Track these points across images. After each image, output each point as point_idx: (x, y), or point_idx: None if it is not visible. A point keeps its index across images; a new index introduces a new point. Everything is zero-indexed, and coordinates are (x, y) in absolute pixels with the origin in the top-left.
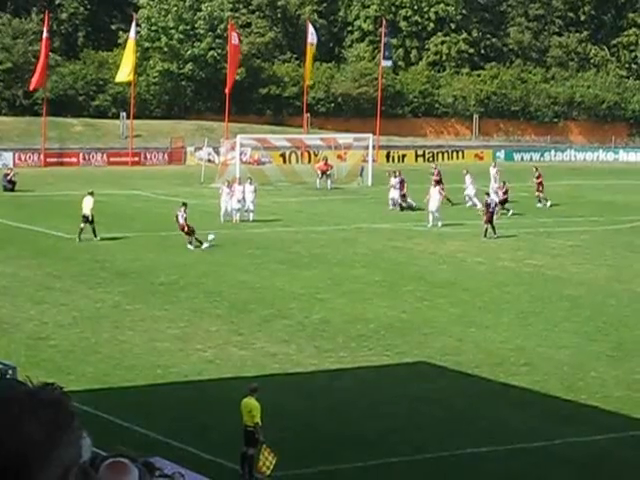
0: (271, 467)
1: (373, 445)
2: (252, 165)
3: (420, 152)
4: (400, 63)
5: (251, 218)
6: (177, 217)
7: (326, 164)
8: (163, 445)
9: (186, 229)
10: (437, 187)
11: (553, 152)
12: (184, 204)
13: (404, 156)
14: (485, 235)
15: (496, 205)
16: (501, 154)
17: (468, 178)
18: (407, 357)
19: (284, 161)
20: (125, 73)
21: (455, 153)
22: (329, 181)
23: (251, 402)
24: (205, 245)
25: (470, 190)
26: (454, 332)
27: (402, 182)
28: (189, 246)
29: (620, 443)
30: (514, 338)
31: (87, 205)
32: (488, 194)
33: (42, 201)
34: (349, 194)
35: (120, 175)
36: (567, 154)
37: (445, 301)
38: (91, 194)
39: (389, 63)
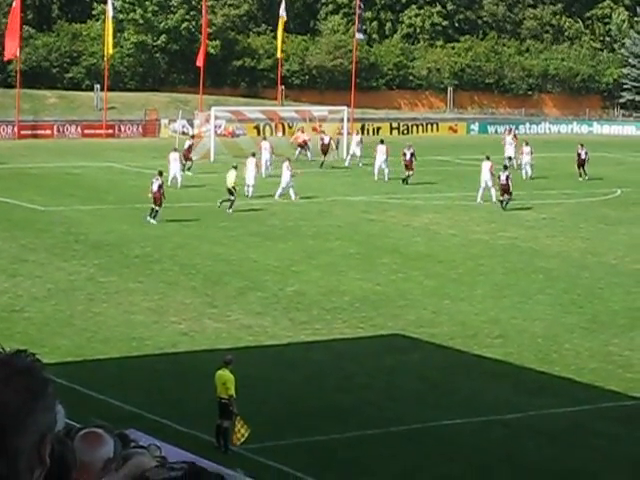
0: (242, 439)
1: (348, 417)
2: (226, 137)
3: (395, 125)
4: (374, 36)
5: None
6: (151, 184)
7: (304, 141)
8: (138, 417)
9: (157, 199)
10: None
11: (527, 125)
12: (160, 172)
13: (379, 129)
14: (497, 202)
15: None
16: (475, 127)
17: (527, 148)
18: (382, 329)
19: (258, 133)
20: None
21: (429, 125)
22: (309, 153)
23: (225, 374)
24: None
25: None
26: (428, 304)
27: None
28: (150, 219)
29: (593, 414)
30: (488, 310)
31: (230, 178)
32: (506, 166)
33: (16, 173)
34: (324, 167)
35: (94, 147)
36: (541, 127)
37: (419, 273)
38: (235, 167)
39: (363, 36)
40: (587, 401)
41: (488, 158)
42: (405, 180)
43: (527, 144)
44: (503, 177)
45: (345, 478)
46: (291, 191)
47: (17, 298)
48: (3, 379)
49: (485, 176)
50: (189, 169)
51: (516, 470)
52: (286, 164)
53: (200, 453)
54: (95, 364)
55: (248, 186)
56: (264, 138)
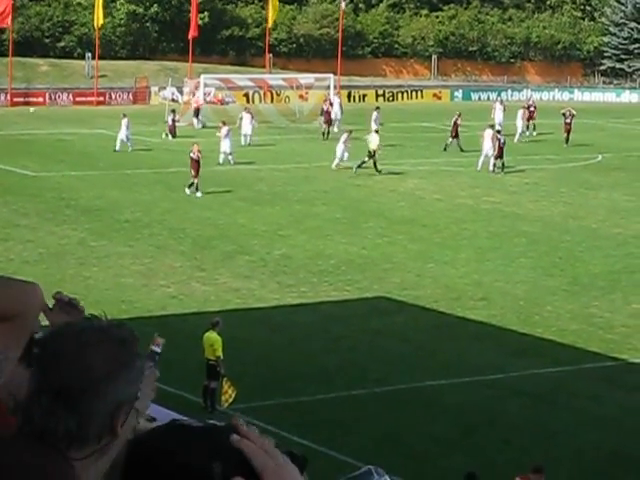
0: (230, 400)
1: (334, 378)
2: (216, 105)
3: (380, 92)
4: (361, 5)
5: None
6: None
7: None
8: None
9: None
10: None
11: (510, 92)
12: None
13: (365, 96)
14: (494, 170)
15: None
16: (459, 94)
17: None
18: (367, 292)
19: (247, 101)
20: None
21: (414, 92)
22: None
23: (213, 336)
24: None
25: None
26: (413, 267)
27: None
28: (193, 192)
29: (575, 375)
30: (472, 273)
31: (373, 141)
32: (499, 131)
33: (8, 140)
34: (311, 133)
35: (85, 114)
36: (524, 94)
37: (404, 237)
38: (376, 132)
39: (347, 5)
40: (568, 362)
41: (492, 127)
42: (446, 147)
43: (528, 107)
44: (502, 141)
45: (330, 438)
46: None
47: (9, 262)
48: (95, 344)
49: (487, 145)
50: (173, 136)
51: (499, 430)
52: (344, 137)
53: (188, 413)
54: None
55: (224, 153)
56: (245, 109)
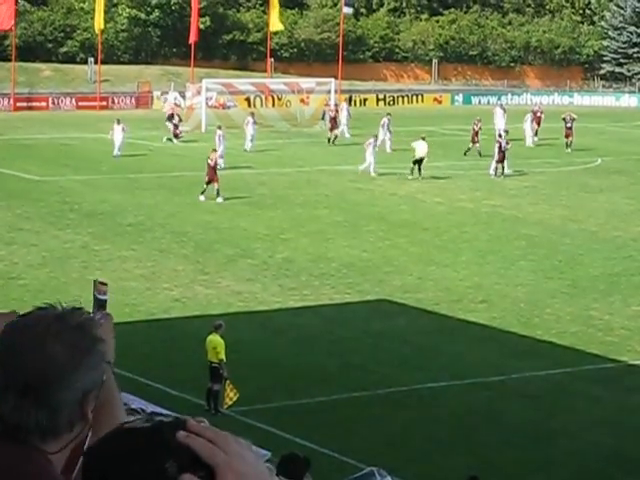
0: (230, 403)
1: (335, 380)
2: (218, 109)
3: (381, 96)
4: (362, 10)
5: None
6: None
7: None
8: (131, 381)
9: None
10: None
11: (510, 96)
12: (214, 150)
13: (365, 100)
14: (496, 174)
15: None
16: (459, 98)
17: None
18: (368, 295)
19: (249, 105)
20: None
21: (415, 97)
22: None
23: (215, 339)
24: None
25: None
26: (414, 270)
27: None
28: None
29: (574, 377)
30: (472, 276)
31: (422, 149)
32: (500, 135)
33: (12, 145)
34: (312, 137)
35: (88, 119)
36: (523, 98)
37: (405, 240)
38: (423, 139)
39: (350, 10)
40: (568, 364)
41: (507, 132)
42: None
43: (534, 113)
44: (503, 145)
45: (332, 440)
46: (372, 167)
47: (13, 266)
48: (54, 334)
49: (368, 151)
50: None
51: (499, 431)
52: (370, 141)
53: (191, 415)
54: None
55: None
56: (252, 114)
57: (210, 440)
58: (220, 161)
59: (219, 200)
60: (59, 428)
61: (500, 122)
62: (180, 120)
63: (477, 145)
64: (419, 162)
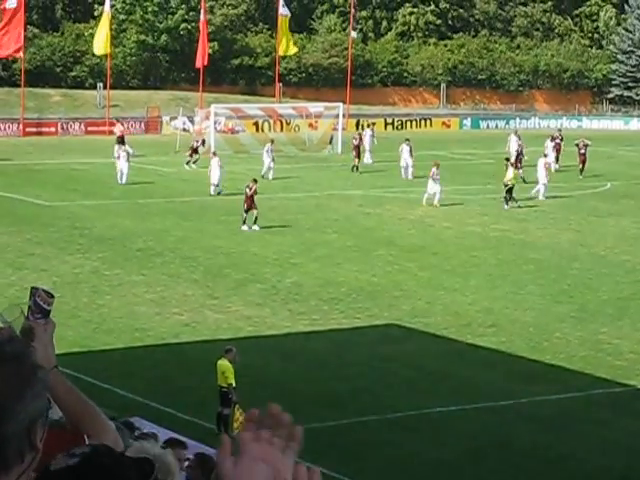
0: (240, 427)
1: (345, 404)
2: (226, 134)
3: (389, 120)
4: (370, 34)
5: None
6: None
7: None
8: (142, 406)
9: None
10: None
11: (518, 120)
12: (254, 180)
13: (373, 124)
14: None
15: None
16: (468, 122)
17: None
18: (378, 319)
19: (257, 129)
20: (101, 45)
21: (423, 121)
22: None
23: (224, 363)
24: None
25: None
26: (423, 295)
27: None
28: (252, 226)
29: (584, 401)
30: (481, 300)
31: (507, 174)
32: (507, 159)
33: (21, 170)
34: (320, 161)
35: (97, 144)
36: (532, 122)
37: (414, 265)
38: (510, 163)
39: (357, 34)
40: (577, 388)
41: (546, 156)
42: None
43: (553, 139)
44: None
45: (342, 464)
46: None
47: (23, 291)
48: None
49: (541, 174)
50: (195, 162)
51: (508, 456)
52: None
53: (201, 440)
54: (100, 354)
55: (213, 185)
56: (272, 141)
57: None
58: (212, 188)
59: (255, 228)
60: (9, 461)
61: (513, 149)
62: (203, 142)
63: (520, 171)
64: (508, 187)
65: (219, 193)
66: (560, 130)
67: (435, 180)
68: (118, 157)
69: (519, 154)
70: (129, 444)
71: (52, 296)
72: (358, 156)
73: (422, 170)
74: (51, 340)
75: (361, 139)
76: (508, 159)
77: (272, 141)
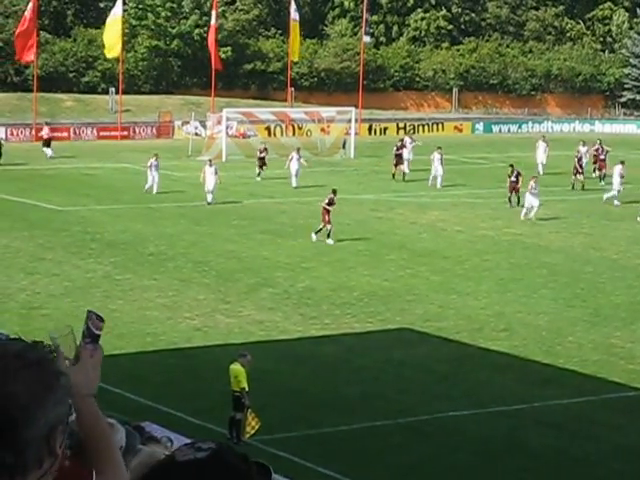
0: (252, 432)
1: (357, 409)
2: (238, 138)
3: (401, 125)
4: (382, 39)
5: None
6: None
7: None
8: (153, 410)
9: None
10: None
11: (530, 124)
12: (334, 191)
13: (386, 129)
14: (518, 204)
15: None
16: (480, 126)
17: (583, 148)
18: (390, 324)
19: (269, 134)
20: (113, 49)
21: (435, 125)
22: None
23: (237, 368)
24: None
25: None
26: (435, 299)
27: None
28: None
29: (597, 405)
30: (494, 304)
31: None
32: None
33: (34, 175)
34: (332, 166)
35: (109, 149)
36: (544, 126)
37: (426, 269)
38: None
39: (369, 39)
40: (590, 392)
41: (622, 163)
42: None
43: (584, 144)
44: (513, 177)
45: (354, 469)
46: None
47: (35, 295)
48: (14, 371)
49: (616, 180)
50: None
51: (521, 459)
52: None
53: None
54: (111, 359)
55: (208, 192)
56: (298, 150)
57: None
58: (209, 196)
59: (329, 242)
60: (27, 466)
61: (542, 155)
62: (266, 150)
63: (580, 177)
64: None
65: (209, 203)
66: (600, 141)
67: (533, 194)
68: (150, 166)
69: (579, 159)
70: (138, 449)
71: (102, 320)
72: (398, 164)
73: (422, 171)
74: (95, 367)
75: (403, 146)
76: (512, 165)
77: (298, 149)
